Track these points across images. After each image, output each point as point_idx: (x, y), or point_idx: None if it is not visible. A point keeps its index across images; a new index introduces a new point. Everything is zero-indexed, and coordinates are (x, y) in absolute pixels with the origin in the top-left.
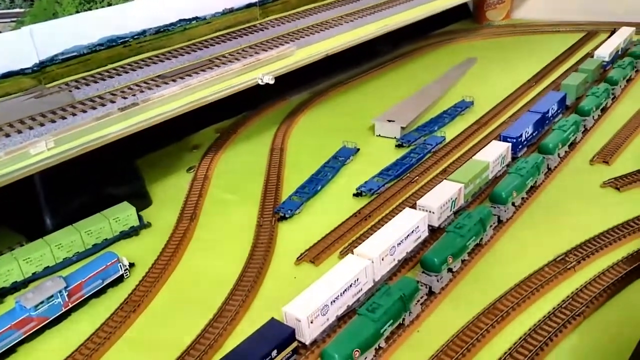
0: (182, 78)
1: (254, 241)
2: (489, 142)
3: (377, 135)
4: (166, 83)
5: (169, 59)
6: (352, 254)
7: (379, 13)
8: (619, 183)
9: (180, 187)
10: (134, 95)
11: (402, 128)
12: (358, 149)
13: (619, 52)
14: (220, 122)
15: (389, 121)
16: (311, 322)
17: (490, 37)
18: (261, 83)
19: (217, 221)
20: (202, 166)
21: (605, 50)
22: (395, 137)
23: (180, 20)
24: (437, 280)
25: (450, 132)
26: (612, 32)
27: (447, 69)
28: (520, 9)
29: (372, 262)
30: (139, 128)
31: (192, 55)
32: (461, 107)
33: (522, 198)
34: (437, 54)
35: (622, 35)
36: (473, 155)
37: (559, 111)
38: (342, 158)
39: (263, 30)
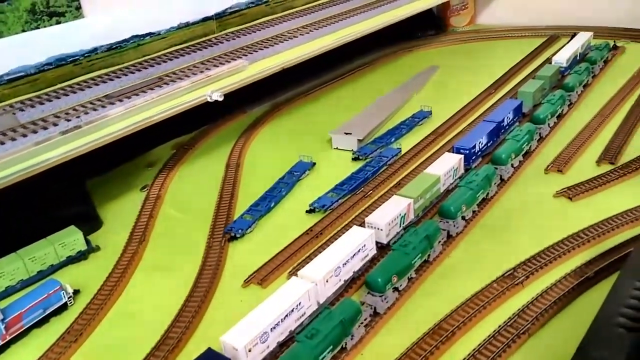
0: (128, 98)
1: (202, 263)
2: (443, 154)
3: (334, 148)
4: (112, 103)
5: (119, 77)
6: (297, 275)
7: (338, 24)
8: (571, 193)
9: (133, 207)
10: (78, 117)
11: (359, 140)
12: (314, 163)
13: (577, 58)
14: (178, 137)
15: (346, 134)
16: (249, 351)
17: (453, 44)
18: (210, 100)
19: (167, 242)
20: (155, 185)
21: (563, 56)
22: (352, 150)
23: (134, 37)
24: (382, 301)
25: (407, 143)
26: (572, 37)
27: (408, 78)
28: (483, 14)
29: (316, 284)
30: (82, 152)
31: (143, 72)
32: (419, 118)
33: (473, 211)
34: (400, 62)
35: (580, 40)
36: (427, 167)
37: (514, 119)
38: (297, 173)
39: (218, 45)
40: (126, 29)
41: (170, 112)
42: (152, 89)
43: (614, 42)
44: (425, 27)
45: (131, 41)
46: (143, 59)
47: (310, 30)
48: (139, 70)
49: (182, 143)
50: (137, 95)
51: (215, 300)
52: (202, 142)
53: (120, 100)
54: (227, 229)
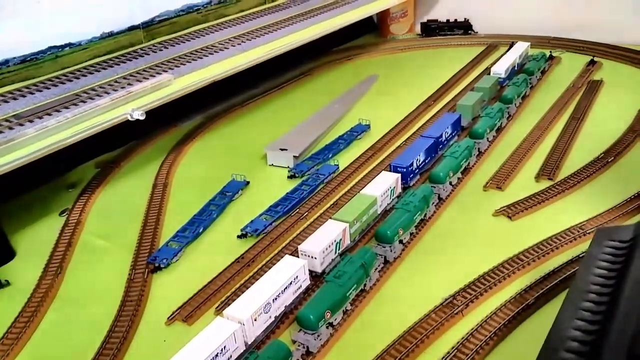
0: (40, 118)
1: (123, 298)
2: (381, 171)
3: (270, 165)
4: (21, 124)
5: (33, 93)
6: (222, 316)
7: (272, 34)
8: (511, 212)
9: (50, 234)
10: None
11: (295, 157)
12: (248, 182)
13: (515, 68)
14: (102, 154)
15: (282, 149)
16: None
17: (393, 52)
18: (131, 119)
19: (86, 275)
20: (76, 208)
21: (501, 67)
22: (288, 167)
23: (51, 47)
24: (315, 339)
25: (345, 159)
26: (510, 46)
27: (347, 88)
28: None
29: (243, 324)
30: None
31: (60, 87)
32: (357, 132)
33: (411, 233)
34: (338, 71)
35: (518, 51)
36: (365, 186)
37: (453, 134)
38: (229, 193)
39: (143, 57)
40: (42, 39)
41: (86, 133)
42: (67, 107)
43: (550, 52)
44: (365, 34)
45: (48, 52)
46: (61, 72)
47: (242, 41)
48: (56, 86)
49: (108, 160)
50: (49, 115)
51: (135, 342)
52: (130, 159)
53: (31, 121)
54: (150, 259)
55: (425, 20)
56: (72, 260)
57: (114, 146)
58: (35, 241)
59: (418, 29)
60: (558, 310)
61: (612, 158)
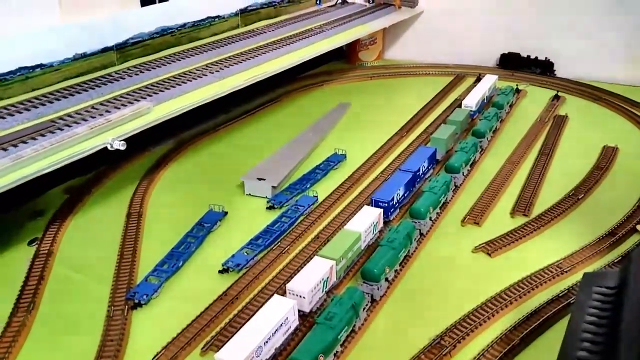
0: (14, 146)
1: (103, 337)
2: (361, 203)
3: (247, 194)
4: None
5: (4, 117)
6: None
7: (248, 62)
8: (490, 248)
9: (20, 266)
10: None
11: (274, 187)
12: (226, 213)
13: (485, 101)
14: (72, 179)
15: (259, 179)
16: None
17: (362, 79)
18: (111, 149)
19: (62, 310)
20: (47, 238)
21: (472, 100)
22: (266, 197)
23: (21, 68)
24: None
25: (323, 189)
26: (478, 78)
27: (320, 116)
28: (391, 50)
29: None
30: None
31: (32, 112)
32: (334, 161)
33: (395, 270)
34: (310, 97)
35: (487, 83)
36: (345, 219)
37: (429, 167)
38: (207, 224)
39: (119, 81)
40: (11, 60)
41: (64, 163)
42: (43, 135)
43: (517, 85)
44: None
45: (18, 73)
46: (32, 94)
47: (220, 68)
48: (28, 110)
49: (77, 187)
50: (25, 142)
51: None
52: (100, 185)
53: (5, 149)
54: (129, 295)
55: (507, 52)
56: (45, 294)
57: (84, 171)
58: (3, 274)
59: (387, 55)
60: (546, 346)
61: (582, 195)
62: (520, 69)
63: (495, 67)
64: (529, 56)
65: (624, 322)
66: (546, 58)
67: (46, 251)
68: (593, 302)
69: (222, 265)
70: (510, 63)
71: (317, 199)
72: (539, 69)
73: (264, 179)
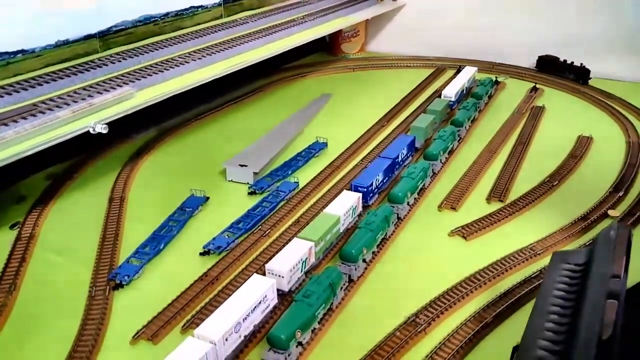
0: None
1: (84, 316)
2: (341, 189)
3: (229, 181)
4: None
5: None
6: (193, 335)
7: (231, 50)
8: (465, 232)
9: (2, 249)
10: None
11: (255, 173)
12: (207, 198)
13: (464, 92)
14: (53, 165)
15: (241, 165)
16: None
17: (344, 71)
18: (93, 132)
19: (43, 292)
20: (28, 222)
21: (452, 90)
22: (247, 183)
23: (2, 54)
24: (286, 358)
25: (304, 176)
26: (458, 70)
27: (302, 105)
28: (373, 42)
29: (215, 344)
30: None
31: (14, 96)
32: (315, 149)
33: (373, 252)
34: (293, 87)
35: (467, 75)
36: (325, 204)
37: (408, 155)
38: (189, 209)
39: (101, 67)
40: None
41: (46, 146)
42: (24, 117)
43: (496, 77)
44: (315, 52)
45: (0, 58)
46: (14, 79)
47: (202, 56)
48: (10, 94)
49: (58, 173)
50: (6, 125)
51: None
52: (82, 171)
53: None
54: (111, 276)
55: (544, 54)
56: (27, 277)
57: (66, 157)
58: None
59: (369, 47)
60: (517, 325)
61: (557, 182)
62: (556, 74)
63: (475, 59)
64: (565, 60)
65: (588, 290)
66: (581, 64)
67: (28, 234)
68: (562, 278)
69: (203, 248)
70: (547, 67)
71: (299, 185)
72: (572, 74)
73: (246, 165)
